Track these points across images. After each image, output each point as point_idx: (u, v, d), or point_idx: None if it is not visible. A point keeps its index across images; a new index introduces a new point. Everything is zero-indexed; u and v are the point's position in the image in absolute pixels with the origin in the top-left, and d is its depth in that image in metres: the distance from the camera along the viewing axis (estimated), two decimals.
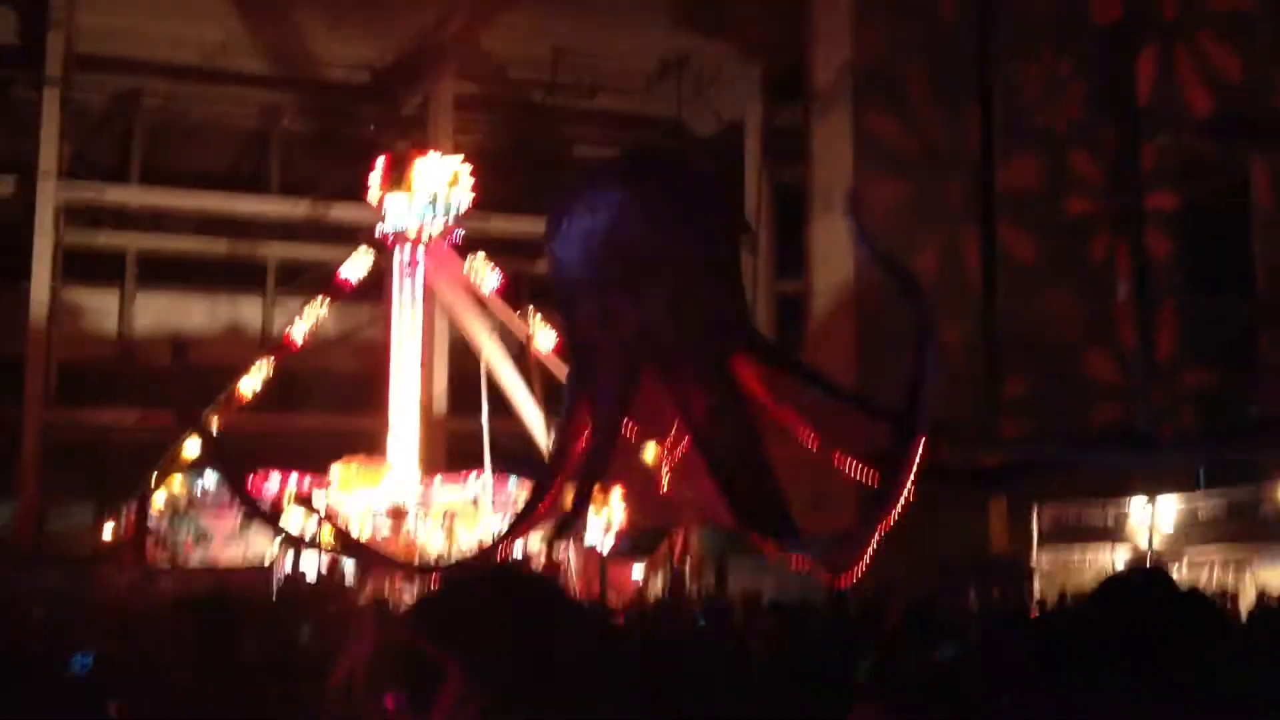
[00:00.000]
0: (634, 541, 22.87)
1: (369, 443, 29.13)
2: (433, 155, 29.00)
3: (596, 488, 20.90)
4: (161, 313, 31.66)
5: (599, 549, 22.97)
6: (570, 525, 20.02)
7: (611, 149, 29.20)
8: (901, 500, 15.03)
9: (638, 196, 18.53)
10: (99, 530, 27.17)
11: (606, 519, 21.53)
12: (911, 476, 14.93)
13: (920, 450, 14.80)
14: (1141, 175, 26.52)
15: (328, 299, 28.79)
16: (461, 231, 28.54)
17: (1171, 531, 20.03)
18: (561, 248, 19.02)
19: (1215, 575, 18.51)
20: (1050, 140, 27.41)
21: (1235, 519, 18.91)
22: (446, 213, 28.53)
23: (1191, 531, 19.87)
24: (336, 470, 26.97)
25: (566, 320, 20.47)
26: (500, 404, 28.30)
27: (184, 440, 24.79)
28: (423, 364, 28.53)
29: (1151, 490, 20.86)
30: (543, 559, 23.00)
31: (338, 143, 31.48)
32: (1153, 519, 19.91)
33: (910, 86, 27.02)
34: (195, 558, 24.28)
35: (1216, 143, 25.25)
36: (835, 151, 26.80)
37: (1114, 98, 27.12)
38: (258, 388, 27.50)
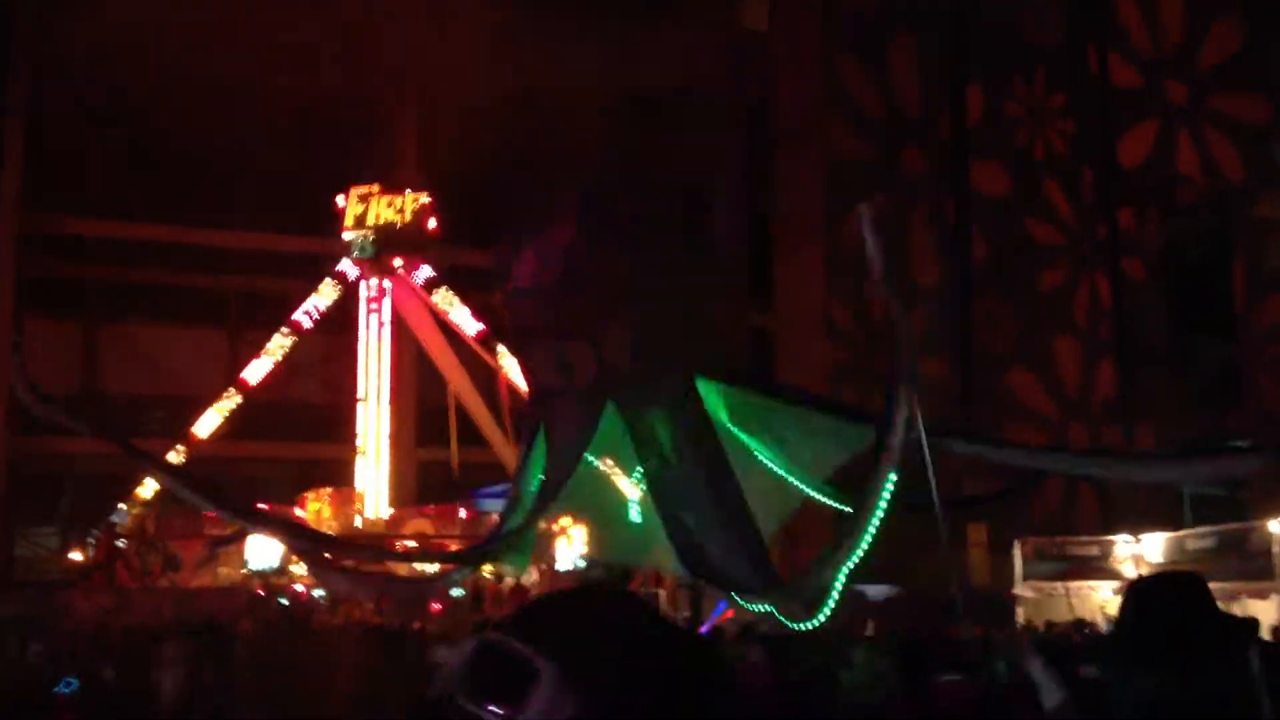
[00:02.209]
0: (607, 568, 22.91)
1: (334, 472, 29.13)
2: (398, 190, 29.22)
3: (557, 519, 21.12)
4: (126, 343, 31.49)
5: (570, 576, 23.04)
6: (489, 556, 20.14)
7: (580, 182, 29.36)
8: (872, 524, 15.11)
9: (588, 235, 18.70)
10: (66, 556, 27.03)
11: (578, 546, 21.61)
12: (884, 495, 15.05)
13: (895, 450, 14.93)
14: (1118, 222, 27.16)
15: (293, 330, 28.84)
16: (428, 266, 28.70)
17: (1159, 565, 20.06)
18: (514, 293, 19.17)
19: None
20: (1026, 169, 28.00)
21: (1223, 553, 18.86)
22: (412, 246, 28.72)
23: (1179, 565, 19.93)
24: (307, 500, 27.00)
25: (524, 365, 20.61)
26: (470, 434, 28.38)
27: (145, 472, 24.65)
28: (393, 395, 28.58)
29: (1137, 525, 20.96)
30: (507, 585, 23.05)
31: (304, 175, 31.49)
32: (1139, 551, 19.96)
33: (880, 118, 27.45)
34: (164, 582, 24.17)
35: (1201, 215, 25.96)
36: (803, 184, 27.12)
37: (1097, 146, 27.75)
38: (221, 419, 27.49)
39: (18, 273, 29.46)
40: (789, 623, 14.73)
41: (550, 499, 19.47)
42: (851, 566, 15.91)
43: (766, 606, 16.83)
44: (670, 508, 18.60)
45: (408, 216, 28.89)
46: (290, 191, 30.47)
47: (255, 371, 28.52)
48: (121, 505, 25.54)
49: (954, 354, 26.39)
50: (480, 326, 28.17)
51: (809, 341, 25.98)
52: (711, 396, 19.34)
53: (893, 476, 15.88)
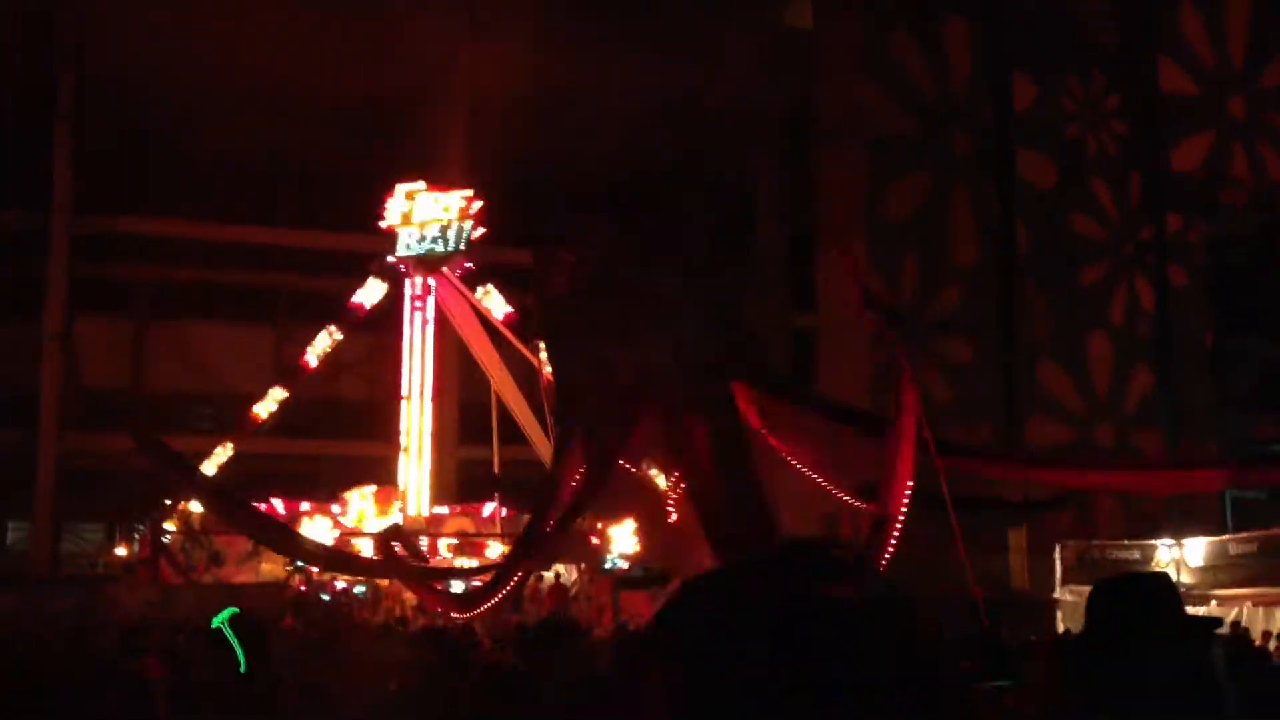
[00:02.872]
0: (646, 569, 23.00)
1: (379, 470, 29.35)
2: (444, 188, 29.39)
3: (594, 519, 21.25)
4: (174, 341, 31.86)
5: (611, 575, 23.12)
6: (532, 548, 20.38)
7: (618, 186, 29.51)
8: (896, 516, 15.23)
9: (627, 237, 18.83)
10: (113, 551, 27.41)
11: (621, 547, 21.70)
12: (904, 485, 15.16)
13: (908, 450, 15.05)
14: (1165, 227, 27.01)
15: (340, 327, 29.09)
16: (471, 264, 28.86)
17: (1200, 570, 19.85)
18: (550, 298, 19.32)
19: (1245, 614, 18.35)
20: (1074, 164, 27.88)
21: (1265, 559, 18.70)
22: (457, 243, 28.86)
23: (1220, 571, 19.69)
24: (350, 497, 27.23)
25: (558, 364, 20.73)
26: (512, 433, 28.51)
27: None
28: (435, 393, 28.75)
29: (1179, 531, 20.79)
30: (547, 583, 23.17)
31: (349, 173, 31.74)
32: (1180, 555, 19.80)
33: (925, 99, 27.38)
34: (208, 577, 24.46)
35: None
36: (845, 184, 27.09)
37: (1148, 150, 27.58)
38: (270, 412, 27.77)
39: (69, 272, 29.89)
40: None
41: (589, 499, 19.64)
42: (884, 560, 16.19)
43: None
44: (706, 506, 18.81)
45: (453, 214, 29.03)
46: (336, 189, 30.77)
47: (301, 368, 28.79)
48: (167, 500, 25.83)
49: (985, 341, 26.30)
50: (524, 325, 28.30)
51: (851, 343, 25.94)
52: (748, 403, 19.50)
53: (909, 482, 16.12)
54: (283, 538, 21.84)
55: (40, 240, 29.79)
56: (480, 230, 28.92)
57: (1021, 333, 27.04)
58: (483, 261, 29.27)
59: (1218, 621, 3.70)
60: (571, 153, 30.99)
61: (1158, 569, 18.03)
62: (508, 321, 28.37)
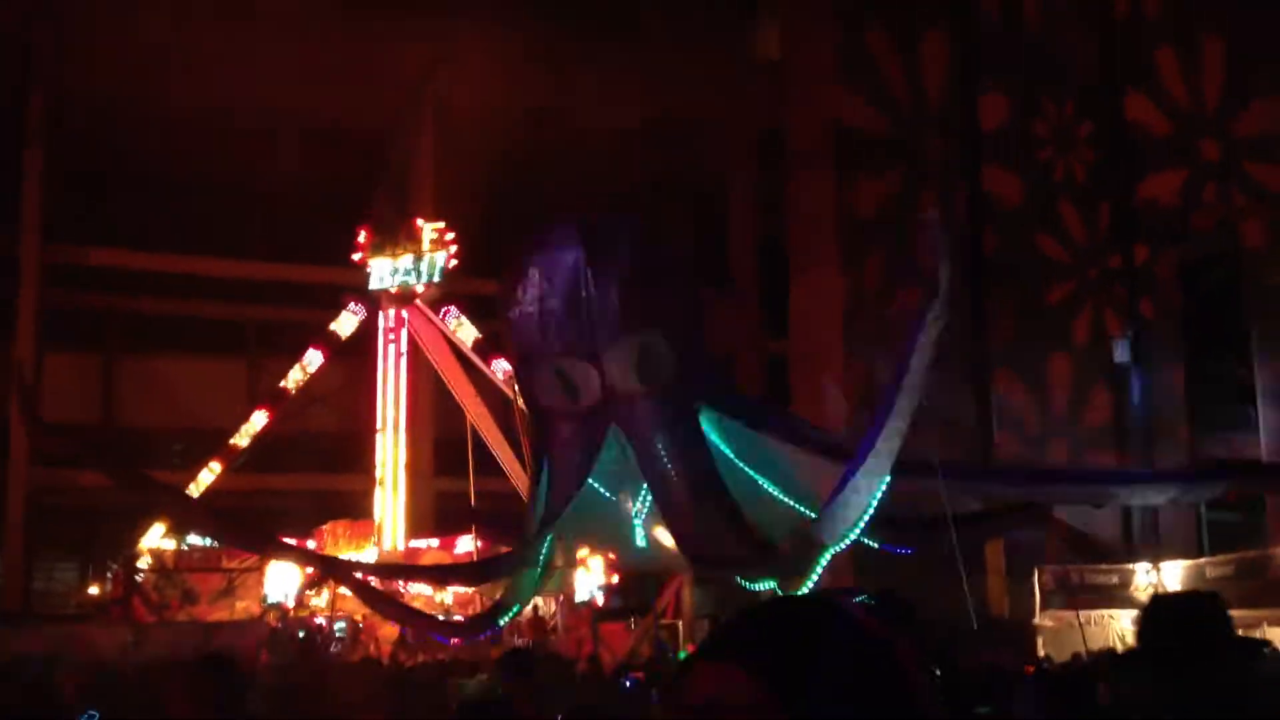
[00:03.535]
0: (624, 599, 22.89)
1: (352, 503, 29.15)
2: (417, 219, 29.32)
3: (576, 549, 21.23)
4: (145, 375, 31.56)
5: (589, 607, 22.96)
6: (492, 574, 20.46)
7: (587, 207, 29.50)
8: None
9: (593, 261, 18.83)
10: (85, 588, 27.09)
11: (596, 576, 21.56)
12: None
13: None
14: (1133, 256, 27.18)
15: (313, 359, 28.95)
16: (447, 294, 28.79)
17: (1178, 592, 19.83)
18: (518, 315, 19.32)
19: None
20: (1044, 187, 28.01)
21: (1243, 581, 18.71)
22: (430, 275, 28.78)
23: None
24: (324, 531, 27.04)
25: (526, 387, 20.75)
26: (489, 466, 28.37)
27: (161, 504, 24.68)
28: (409, 425, 28.60)
29: (1155, 554, 20.82)
30: (525, 615, 23.02)
31: (322, 206, 31.60)
32: (1158, 579, 19.79)
33: (892, 146, 27.45)
34: (182, 615, 24.19)
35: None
36: (816, 211, 27.12)
37: (1118, 182, 27.75)
38: (244, 445, 27.61)
39: (38, 304, 29.55)
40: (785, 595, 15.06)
41: (553, 520, 19.55)
42: (840, 546, 16.45)
43: (769, 584, 17.35)
44: (673, 513, 18.87)
45: (426, 247, 28.96)
46: (310, 222, 30.62)
47: (273, 402, 28.63)
48: (140, 538, 25.58)
49: (953, 353, 26.34)
50: (498, 355, 28.19)
51: (824, 370, 25.94)
52: (713, 427, 19.54)
53: (886, 479, 16.29)
54: (296, 553, 22.04)
55: (8, 268, 29.43)
56: (453, 261, 28.84)
57: (984, 347, 27.12)
58: (456, 292, 29.17)
59: (1265, 642, 3.71)
60: (542, 180, 31.03)
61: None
62: (478, 349, 28.25)
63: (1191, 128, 27.07)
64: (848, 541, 17.01)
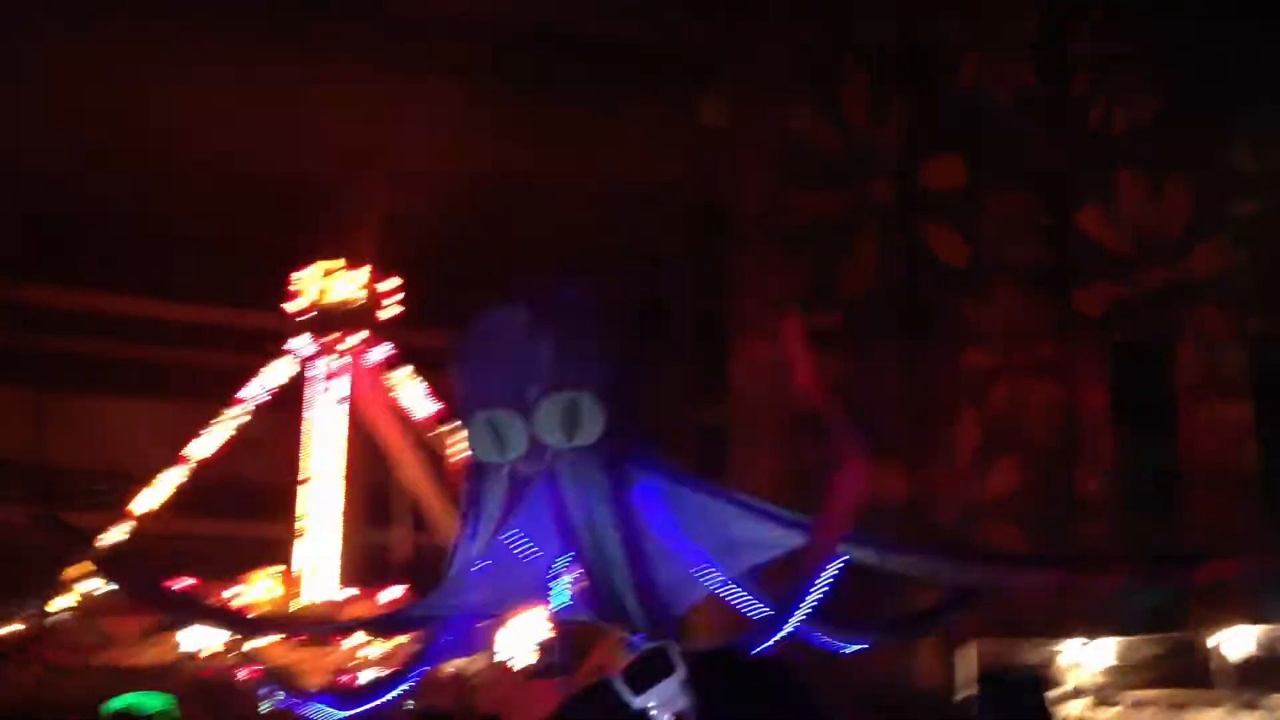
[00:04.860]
0: (551, 657, 22.73)
1: (281, 551, 28.83)
2: (355, 267, 29.32)
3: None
4: (75, 414, 31.16)
5: (512, 666, 22.86)
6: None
7: (539, 270, 29.59)
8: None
9: (531, 317, 18.94)
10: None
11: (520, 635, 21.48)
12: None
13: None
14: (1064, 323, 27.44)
15: (241, 407, 28.75)
16: (382, 346, 28.75)
17: (1109, 672, 19.97)
18: (465, 370, 19.40)
19: (1156, 716, 18.49)
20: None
21: (1172, 661, 18.92)
22: (365, 323, 28.78)
23: (1129, 673, 19.85)
24: (255, 579, 26.78)
25: (460, 439, 20.80)
26: (418, 517, 28.27)
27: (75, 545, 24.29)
28: (347, 474, 28.44)
29: (1089, 631, 20.95)
30: (445, 672, 22.84)
31: (260, 249, 31.50)
32: (1091, 655, 19.96)
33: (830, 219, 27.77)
34: (96, 661, 23.76)
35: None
36: (757, 284, 27.39)
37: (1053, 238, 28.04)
38: (165, 495, 27.29)
39: None
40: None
41: (464, 574, 19.48)
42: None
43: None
44: (591, 570, 18.79)
45: (363, 295, 28.95)
46: (246, 265, 30.48)
47: (202, 446, 28.35)
48: (59, 580, 25.15)
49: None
50: (434, 408, 28.16)
51: (764, 438, 26.08)
52: (655, 493, 19.55)
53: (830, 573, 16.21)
54: (202, 611, 21.54)
55: None
56: (389, 308, 28.85)
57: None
58: (395, 342, 29.16)
59: None
60: (486, 237, 31.18)
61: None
62: (417, 405, 28.22)
63: (1140, 253, 27.48)
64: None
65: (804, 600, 15.33)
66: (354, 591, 27.01)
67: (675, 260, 32.45)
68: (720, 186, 30.06)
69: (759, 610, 16.48)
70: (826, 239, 27.59)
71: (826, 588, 16.56)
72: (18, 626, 25.61)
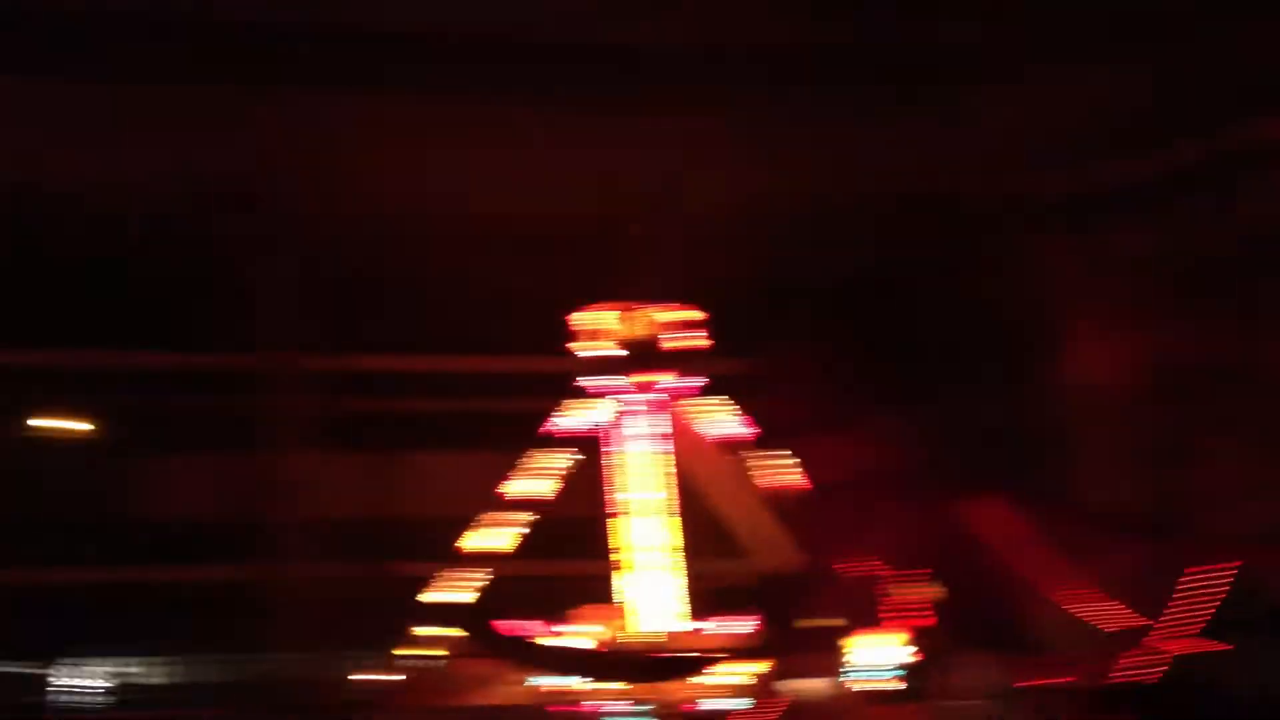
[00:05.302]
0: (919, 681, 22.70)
1: (588, 587, 29.44)
2: (651, 304, 29.91)
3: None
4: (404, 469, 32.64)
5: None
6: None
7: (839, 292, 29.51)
8: None
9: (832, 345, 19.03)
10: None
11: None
12: None
13: None
14: None
15: (556, 450, 29.58)
16: (687, 377, 29.25)
17: None
18: (771, 398, 19.61)
19: None
20: None
21: None
22: (667, 359, 29.33)
23: None
24: (583, 616, 27.53)
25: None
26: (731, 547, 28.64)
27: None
28: (674, 507, 28.95)
29: None
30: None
31: (559, 297, 32.31)
32: None
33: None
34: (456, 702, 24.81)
35: None
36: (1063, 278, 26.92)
37: None
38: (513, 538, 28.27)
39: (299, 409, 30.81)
40: None
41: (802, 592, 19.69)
42: None
43: None
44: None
45: (661, 330, 29.54)
46: (544, 314, 31.34)
47: (526, 488, 29.26)
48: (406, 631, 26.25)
49: None
50: (746, 433, 28.43)
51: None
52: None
53: None
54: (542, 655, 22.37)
55: (264, 379, 30.84)
56: (690, 340, 29.36)
57: None
58: (696, 374, 29.61)
59: None
60: (777, 262, 31.26)
61: None
62: (728, 432, 28.56)
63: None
64: None
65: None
66: (692, 624, 27.48)
67: (976, 263, 31.94)
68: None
69: None
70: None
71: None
72: (382, 675, 26.91)
